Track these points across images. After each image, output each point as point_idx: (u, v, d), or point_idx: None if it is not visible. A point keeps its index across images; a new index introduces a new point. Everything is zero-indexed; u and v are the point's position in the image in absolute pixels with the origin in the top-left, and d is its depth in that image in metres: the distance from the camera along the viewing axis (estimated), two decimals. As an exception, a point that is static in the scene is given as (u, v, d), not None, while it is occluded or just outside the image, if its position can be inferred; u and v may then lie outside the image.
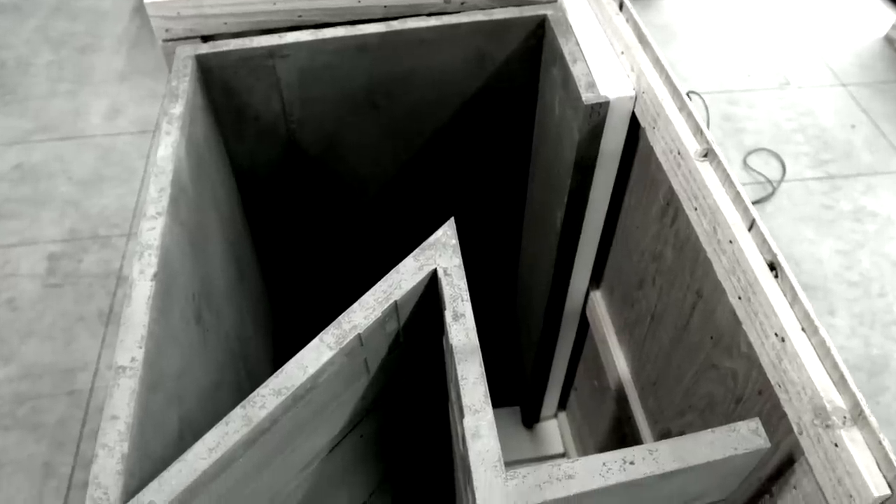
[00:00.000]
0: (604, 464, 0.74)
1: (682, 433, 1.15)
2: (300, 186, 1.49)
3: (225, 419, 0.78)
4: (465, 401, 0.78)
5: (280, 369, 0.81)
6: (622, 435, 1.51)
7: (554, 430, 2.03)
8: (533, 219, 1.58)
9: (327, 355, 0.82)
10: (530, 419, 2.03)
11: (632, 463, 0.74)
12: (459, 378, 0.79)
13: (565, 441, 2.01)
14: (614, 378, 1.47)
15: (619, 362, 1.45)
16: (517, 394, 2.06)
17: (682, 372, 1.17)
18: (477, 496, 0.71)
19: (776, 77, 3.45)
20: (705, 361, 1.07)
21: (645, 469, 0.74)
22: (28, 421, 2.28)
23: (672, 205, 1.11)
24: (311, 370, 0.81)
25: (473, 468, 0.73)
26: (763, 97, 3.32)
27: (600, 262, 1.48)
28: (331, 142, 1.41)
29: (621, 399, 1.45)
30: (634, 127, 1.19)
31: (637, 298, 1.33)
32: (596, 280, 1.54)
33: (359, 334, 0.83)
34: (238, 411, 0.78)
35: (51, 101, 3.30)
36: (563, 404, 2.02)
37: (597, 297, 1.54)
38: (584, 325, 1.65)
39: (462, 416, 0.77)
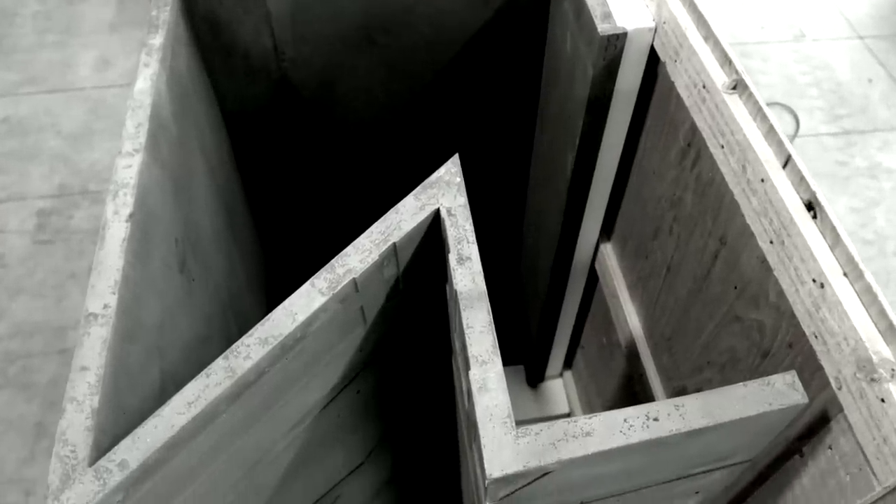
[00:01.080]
0: (625, 420, 0.66)
1: (698, 391, 1.08)
2: (293, 129, 1.40)
3: (205, 371, 0.70)
4: (472, 351, 0.70)
5: (267, 316, 0.73)
6: (632, 393, 1.45)
7: (559, 389, 1.97)
8: (541, 165, 1.49)
9: (319, 301, 0.74)
10: (535, 378, 1.97)
11: (656, 419, 0.67)
12: (465, 326, 0.72)
13: (571, 401, 1.95)
14: (625, 334, 1.39)
15: (631, 318, 1.37)
16: (521, 352, 1.99)
17: (701, 326, 1.09)
18: (484, 455, 0.64)
19: (790, 29, 3.32)
20: (727, 314, 1.00)
21: (670, 426, 0.66)
22: (19, 380, 2.22)
23: (694, 146, 1.02)
24: (301, 317, 0.73)
25: (480, 424, 0.66)
26: (777, 50, 3.20)
27: (612, 212, 1.40)
28: (326, 82, 1.32)
29: (632, 356, 1.37)
30: (653, 62, 1.10)
31: (652, 249, 1.25)
32: (606, 231, 1.46)
33: (354, 279, 0.76)
34: (220, 362, 0.71)
35: (38, 53, 3.19)
36: (568, 363, 1.95)
37: (607, 249, 1.46)
38: (592, 280, 1.58)
39: (468, 367, 0.70)
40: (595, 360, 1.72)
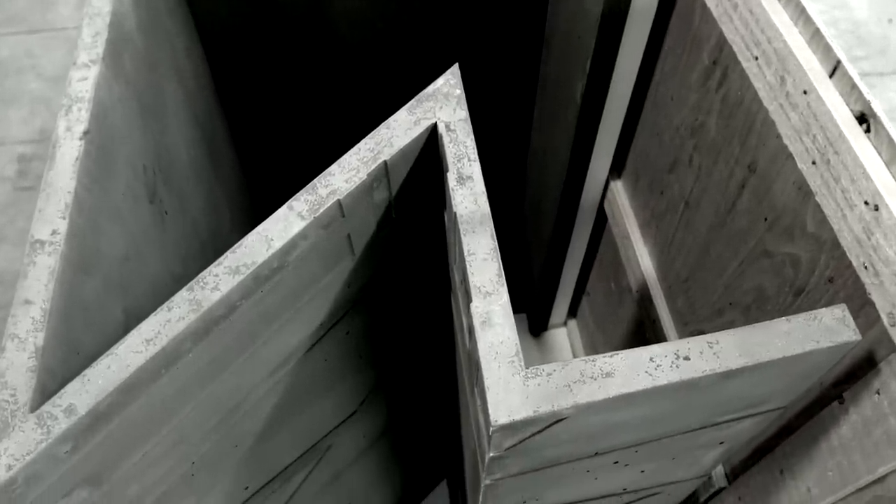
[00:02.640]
0: (651, 359, 0.57)
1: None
2: (281, 54, 1.29)
3: (167, 304, 0.61)
4: (473, 280, 0.61)
5: (238, 243, 0.64)
6: (643, 341, 1.36)
7: (563, 338, 1.89)
8: (547, 92, 1.38)
9: (298, 226, 0.64)
10: (537, 327, 1.88)
11: (686, 358, 0.58)
12: (466, 254, 0.62)
13: (575, 350, 1.87)
14: (636, 277, 1.30)
15: (643, 259, 1.28)
16: (523, 299, 1.91)
17: (723, 264, 1.00)
18: (489, 399, 0.55)
19: (805, -33, 3.16)
20: (755, 249, 0.90)
21: (703, 366, 0.57)
22: (1, 330, 2.14)
23: (720, 63, 0.92)
24: (278, 244, 0.64)
25: (484, 364, 0.57)
26: (791, -12, 3.05)
27: (623, 145, 1.30)
28: None
29: (644, 300, 1.29)
30: (675, -29, 0.99)
31: (668, 184, 1.15)
32: (617, 168, 1.36)
33: (339, 201, 0.66)
34: (183, 294, 0.61)
35: (18, -9, 3.04)
36: (573, 311, 1.87)
37: (617, 186, 1.36)
38: (601, 221, 1.48)
39: (469, 300, 0.60)
40: (602, 307, 1.63)
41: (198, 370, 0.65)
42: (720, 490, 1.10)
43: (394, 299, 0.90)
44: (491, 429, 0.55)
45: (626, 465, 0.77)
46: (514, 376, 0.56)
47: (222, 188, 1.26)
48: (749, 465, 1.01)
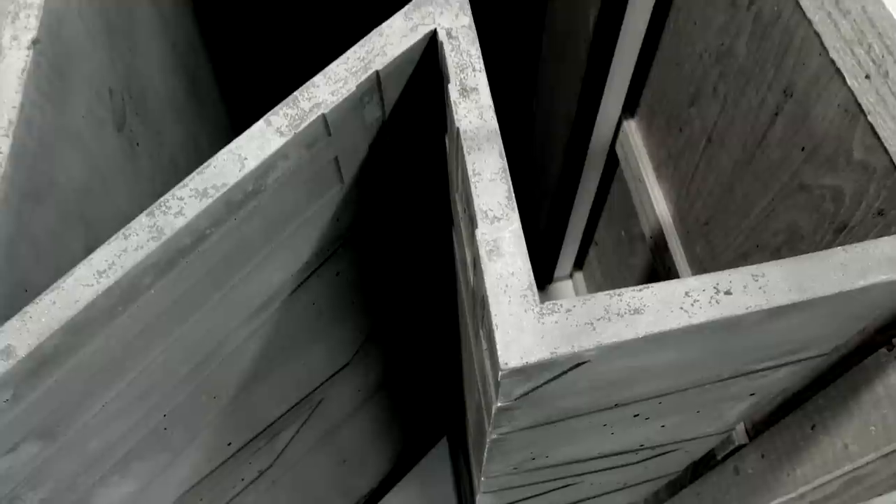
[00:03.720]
0: (687, 293, 0.49)
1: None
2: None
3: (122, 231, 0.53)
4: (479, 204, 0.52)
5: (207, 162, 0.55)
6: (656, 291, 1.28)
7: (569, 291, 1.81)
8: (556, 24, 1.28)
9: (276, 143, 0.55)
10: (541, 280, 1.80)
11: (728, 293, 0.49)
12: (470, 175, 0.54)
13: (581, 305, 1.79)
14: (650, 223, 1.22)
15: (658, 204, 1.19)
16: (528, 249, 1.82)
17: (750, 203, 0.91)
18: (497, 339, 0.47)
19: None
20: (789, 183, 0.82)
21: (747, 301, 0.49)
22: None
23: (753, -24, 0.82)
24: (253, 163, 0.55)
25: (491, 299, 0.48)
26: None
27: (638, 81, 1.20)
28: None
29: (659, 248, 1.20)
30: None
31: (688, 119, 1.06)
32: (631, 106, 1.26)
33: (323, 116, 0.57)
34: (142, 220, 0.53)
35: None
36: (579, 263, 1.78)
37: (631, 126, 1.27)
38: (611, 165, 1.39)
39: (474, 226, 0.52)
40: (611, 257, 1.55)
41: (163, 310, 0.57)
42: (740, 447, 1.03)
43: (389, 237, 0.82)
44: (500, 373, 0.47)
45: (647, 418, 0.70)
46: (526, 312, 0.48)
47: (205, 127, 1.17)
48: (774, 419, 0.94)
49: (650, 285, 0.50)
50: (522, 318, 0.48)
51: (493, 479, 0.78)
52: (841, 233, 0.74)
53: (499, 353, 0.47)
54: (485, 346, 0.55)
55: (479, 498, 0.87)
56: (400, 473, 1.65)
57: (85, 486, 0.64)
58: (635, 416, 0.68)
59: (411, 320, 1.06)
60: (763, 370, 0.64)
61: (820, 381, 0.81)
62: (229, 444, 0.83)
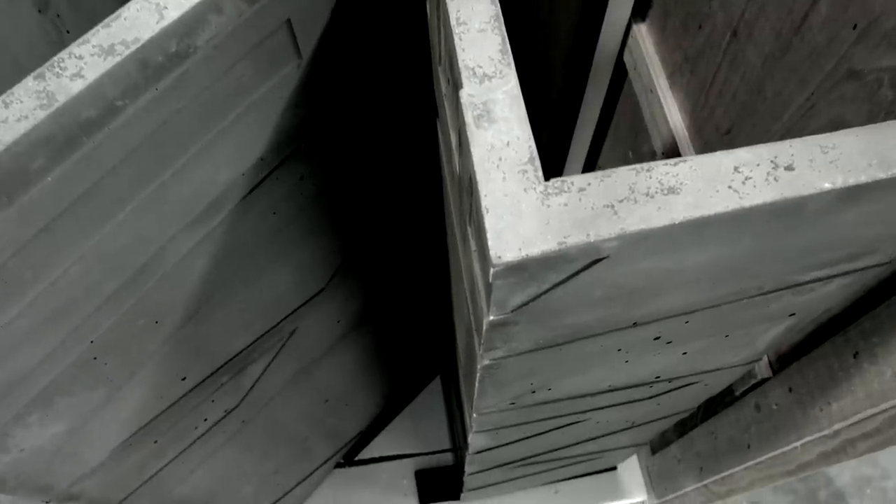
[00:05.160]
0: (736, 169, 0.38)
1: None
2: None
3: (2, 97, 0.40)
4: (464, 60, 0.40)
5: (115, 13, 0.42)
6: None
7: (569, 224, 1.69)
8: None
9: (203, -12, 0.43)
10: (541, 212, 1.68)
11: (789, 168, 0.38)
12: (454, 25, 0.41)
13: (582, 237, 1.68)
14: (663, 138, 1.09)
15: (672, 115, 1.07)
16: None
17: (784, 102, 0.79)
18: (487, 225, 0.35)
19: None
20: (835, 72, 0.69)
21: (815, 180, 0.37)
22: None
23: None
24: (174, 14, 0.42)
25: (479, 176, 0.37)
26: None
27: (650, -24, 1.07)
28: None
29: (671, 165, 1.08)
30: None
31: (709, 13, 0.93)
32: (641, 9, 1.13)
33: (265, -44, 0.44)
34: (29, 83, 0.41)
35: None
36: (581, 193, 1.66)
37: (641, 31, 1.13)
38: (618, 78, 1.26)
39: (458, 87, 0.40)
40: (616, 183, 1.43)
41: (68, 206, 0.45)
42: (763, 381, 0.93)
43: (362, 135, 0.69)
44: (492, 271, 0.35)
45: (669, 343, 0.59)
46: (526, 192, 0.36)
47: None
48: (805, 349, 0.83)
49: (688, 158, 0.38)
50: (521, 200, 0.36)
51: (487, 415, 0.67)
52: (900, 124, 0.62)
53: (489, 243, 0.35)
54: (473, 246, 0.44)
55: (471, 438, 0.77)
56: (389, 415, 1.56)
57: (-4, 425, 0.54)
58: (656, 338, 0.57)
59: (393, 241, 0.94)
60: (813, 282, 0.53)
61: (865, 301, 0.71)
62: (184, 378, 0.72)
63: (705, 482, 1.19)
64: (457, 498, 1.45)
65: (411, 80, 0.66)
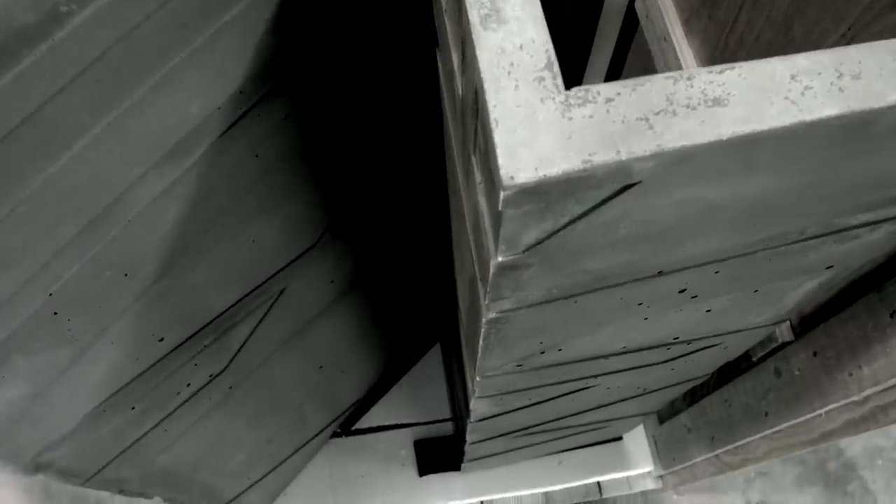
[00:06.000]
0: (793, 77, 0.31)
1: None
2: None
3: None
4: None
5: None
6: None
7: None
8: None
9: None
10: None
11: (856, 77, 0.32)
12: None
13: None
14: (677, 89, 1.02)
15: (688, 63, 1.00)
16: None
17: (817, 40, 0.73)
18: (496, 140, 0.29)
19: None
20: (876, 1, 0.63)
21: (886, 90, 0.31)
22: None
23: None
24: None
25: (488, 84, 0.30)
26: None
27: (666, -87, 0.99)
28: None
29: (686, 117, 1.01)
30: None
31: (730, -51, 0.86)
32: (655, -50, 1.06)
33: None
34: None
35: None
36: (587, 154, 1.60)
37: (655, -25, 1.06)
38: (628, 28, 1.19)
39: (461, -16, 0.34)
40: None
41: (9, 131, 0.39)
42: (784, 345, 0.87)
43: (354, 70, 0.63)
44: (502, 195, 0.29)
45: (694, 296, 0.53)
46: (543, 102, 0.30)
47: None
48: (833, 310, 0.77)
49: (736, 65, 0.32)
50: (537, 111, 0.30)
51: (491, 379, 0.62)
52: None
53: (499, 161, 0.29)
54: (479, 177, 0.38)
55: (473, 404, 0.72)
56: (387, 384, 1.51)
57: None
58: (681, 291, 0.51)
59: (389, 193, 0.88)
60: (860, 227, 0.47)
61: (903, 256, 0.65)
62: (161, 339, 0.66)
63: (717, 452, 1.15)
64: (457, 469, 1.41)
65: (407, 6, 0.59)
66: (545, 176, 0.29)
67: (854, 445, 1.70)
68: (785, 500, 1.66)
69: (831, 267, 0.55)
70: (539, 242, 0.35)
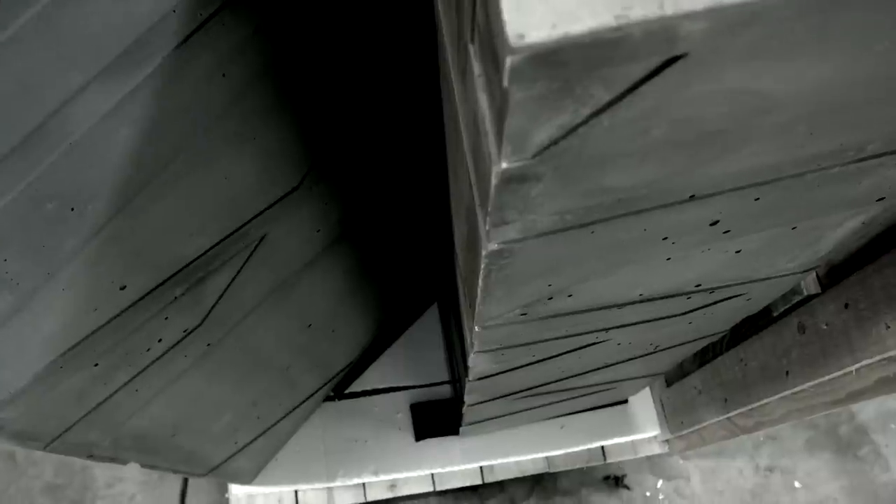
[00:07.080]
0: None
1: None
2: None
3: None
4: None
5: None
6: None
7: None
8: None
9: None
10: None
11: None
12: None
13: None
14: None
15: None
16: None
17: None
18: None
19: None
20: None
21: None
22: None
23: None
24: None
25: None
26: None
27: None
28: None
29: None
30: None
31: None
32: None
33: None
34: None
35: None
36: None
37: None
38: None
39: None
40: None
41: None
42: (809, 299, 0.80)
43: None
44: (508, 62, 0.22)
45: (727, 231, 0.46)
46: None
47: None
48: (866, 259, 0.71)
49: None
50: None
51: (492, 329, 0.55)
52: None
53: (504, 17, 0.22)
54: (478, 69, 0.30)
55: (472, 359, 0.65)
56: (382, 345, 1.44)
57: None
58: (712, 224, 0.44)
59: (379, 127, 0.80)
60: (927, 144, 0.39)
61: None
62: (123, 288, 0.59)
63: (729, 415, 1.09)
64: (455, 433, 1.35)
65: None
66: (565, 35, 0.22)
67: (867, 409, 1.64)
68: (794, 464, 1.61)
69: (882, 199, 0.48)
70: (554, 143, 0.28)
